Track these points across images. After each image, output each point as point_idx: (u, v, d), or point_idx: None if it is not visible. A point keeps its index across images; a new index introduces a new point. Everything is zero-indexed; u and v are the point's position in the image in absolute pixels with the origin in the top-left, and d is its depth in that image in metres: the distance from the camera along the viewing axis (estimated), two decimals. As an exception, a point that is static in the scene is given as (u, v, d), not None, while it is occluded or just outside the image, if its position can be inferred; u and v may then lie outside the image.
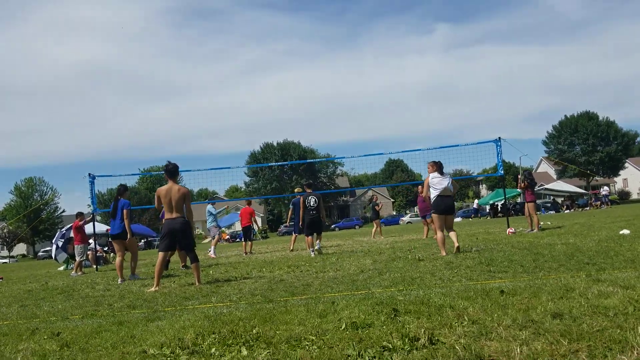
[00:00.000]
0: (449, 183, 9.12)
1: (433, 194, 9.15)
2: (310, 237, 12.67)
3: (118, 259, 9.90)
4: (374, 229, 20.31)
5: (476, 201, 53.77)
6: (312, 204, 12.70)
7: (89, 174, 15.17)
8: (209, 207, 15.86)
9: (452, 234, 9.27)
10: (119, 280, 9.51)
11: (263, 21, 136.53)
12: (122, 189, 10.28)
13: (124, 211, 9.93)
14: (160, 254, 7.84)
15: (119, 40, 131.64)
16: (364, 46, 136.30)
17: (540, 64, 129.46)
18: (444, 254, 8.82)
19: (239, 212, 18.07)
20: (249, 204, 17.58)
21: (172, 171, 7.87)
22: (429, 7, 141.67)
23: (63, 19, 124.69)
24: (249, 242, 16.88)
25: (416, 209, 77.47)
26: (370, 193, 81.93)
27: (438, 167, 9.25)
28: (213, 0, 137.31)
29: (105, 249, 22.82)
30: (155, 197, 7.76)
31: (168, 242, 7.72)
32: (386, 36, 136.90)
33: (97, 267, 15.30)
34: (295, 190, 16.56)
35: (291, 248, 15.94)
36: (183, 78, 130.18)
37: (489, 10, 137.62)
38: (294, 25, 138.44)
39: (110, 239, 10.18)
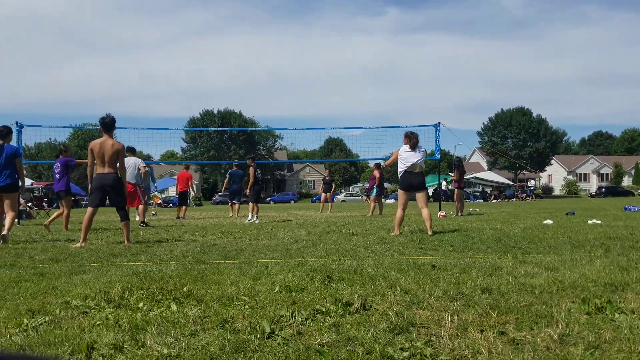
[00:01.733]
0: (419, 160, 8.40)
1: (400, 168, 8.42)
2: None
3: (9, 217, 7.91)
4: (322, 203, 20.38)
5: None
6: (259, 175, 13.69)
7: (16, 122, 14.36)
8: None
9: (425, 215, 8.45)
10: None
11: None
12: (5, 131, 8.08)
13: (19, 159, 7.99)
14: (89, 209, 7.52)
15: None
16: (312, 21, 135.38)
17: (482, 56, 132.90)
18: (397, 232, 8.34)
19: (176, 177, 17.75)
20: (187, 168, 17.19)
21: (108, 124, 7.51)
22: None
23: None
24: (183, 207, 16.58)
25: (351, 188, 78.51)
26: (307, 169, 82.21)
27: (411, 139, 8.44)
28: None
29: (29, 203, 21.81)
30: (89, 150, 7.41)
31: (99, 197, 7.41)
32: (336, 14, 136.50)
33: (19, 221, 14.58)
34: (234, 163, 16.59)
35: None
36: (124, 35, 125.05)
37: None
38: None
39: None
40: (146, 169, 12.17)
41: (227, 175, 16.22)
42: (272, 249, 6.42)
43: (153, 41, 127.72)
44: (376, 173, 16.90)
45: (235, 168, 16.36)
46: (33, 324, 2.83)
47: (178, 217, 15.99)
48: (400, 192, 8.61)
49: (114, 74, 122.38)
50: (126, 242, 7.37)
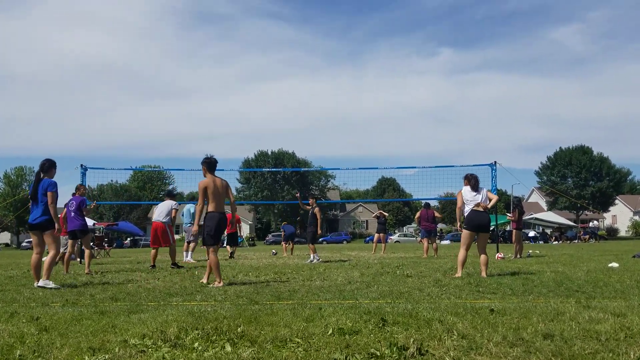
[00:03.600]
0: (483, 198, 8.39)
1: (467, 208, 8.43)
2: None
3: (35, 256, 7.61)
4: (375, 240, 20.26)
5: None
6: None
7: (81, 165, 15.06)
8: (189, 206, 15.35)
9: (482, 260, 8.40)
10: (35, 282, 7.46)
11: (268, 31, 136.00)
12: (48, 164, 7.69)
13: (49, 193, 7.42)
14: (210, 248, 7.60)
15: (123, 36, 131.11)
16: (366, 63, 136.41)
17: (539, 94, 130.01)
18: (459, 274, 8.20)
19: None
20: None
21: (213, 164, 7.77)
22: (434, 31, 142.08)
23: (69, 10, 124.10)
24: (234, 247, 17.26)
25: (405, 228, 77.61)
26: (360, 209, 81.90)
27: (471, 181, 8.53)
28: (220, 6, 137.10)
29: (91, 243, 22.57)
30: (200, 189, 7.45)
31: (214, 235, 7.55)
32: (389, 56, 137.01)
33: (80, 260, 15.09)
34: (283, 224, 18.67)
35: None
36: (183, 80, 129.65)
37: (492, 39, 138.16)
38: (299, 37, 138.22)
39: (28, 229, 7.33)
40: (177, 211, 12.42)
41: (282, 230, 19.27)
42: (325, 290, 6.39)
43: (211, 86, 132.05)
44: (417, 214, 16.81)
45: (285, 224, 19.50)
46: (93, 362, 2.90)
47: (230, 256, 16.55)
48: (466, 233, 8.44)
49: (173, 117, 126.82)
50: (204, 280, 7.54)
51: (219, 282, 7.26)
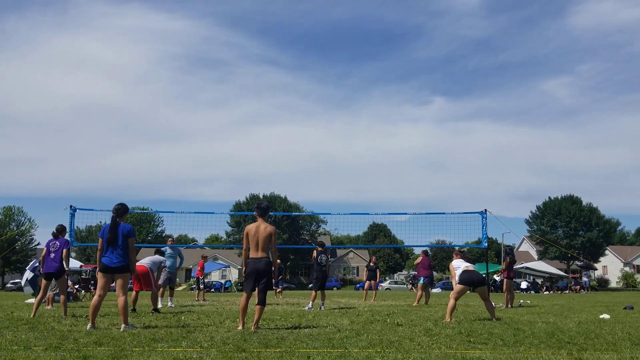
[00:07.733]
0: (472, 265, 9.84)
1: (458, 272, 9.70)
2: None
3: (97, 298, 7.47)
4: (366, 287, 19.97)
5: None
6: (322, 260, 13.37)
7: (70, 206, 14.94)
8: (164, 248, 14.89)
9: (488, 307, 9.67)
10: (89, 325, 7.42)
11: (264, 76, 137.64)
12: (122, 209, 7.85)
13: (132, 240, 7.63)
14: (244, 294, 7.57)
15: (120, 80, 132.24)
16: (360, 110, 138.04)
17: (530, 144, 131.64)
18: (448, 320, 9.07)
19: (219, 261, 19.16)
20: (204, 258, 21.37)
21: (264, 209, 7.81)
22: (427, 80, 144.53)
23: (68, 54, 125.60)
24: (202, 291, 19.00)
25: (396, 276, 77.00)
26: (351, 255, 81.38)
27: (462, 255, 10.19)
28: (219, 52, 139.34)
29: (77, 286, 22.19)
30: (244, 234, 7.63)
31: (252, 282, 7.47)
32: (383, 103, 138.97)
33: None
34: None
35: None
36: (178, 123, 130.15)
37: (484, 89, 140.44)
38: (295, 83, 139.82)
39: (96, 273, 7.32)
40: (164, 267, 12.75)
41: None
42: (314, 338, 6.28)
43: (205, 129, 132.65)
44: (419, 259, 16.75)
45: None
46: (73, 410, 2.81)
47: (197, 299, 17.46)
48: (459, 287, 9.43)
49: (166, 160, 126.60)
50: (252, 328, 7.32)
51: (239, 327, 7.35)
